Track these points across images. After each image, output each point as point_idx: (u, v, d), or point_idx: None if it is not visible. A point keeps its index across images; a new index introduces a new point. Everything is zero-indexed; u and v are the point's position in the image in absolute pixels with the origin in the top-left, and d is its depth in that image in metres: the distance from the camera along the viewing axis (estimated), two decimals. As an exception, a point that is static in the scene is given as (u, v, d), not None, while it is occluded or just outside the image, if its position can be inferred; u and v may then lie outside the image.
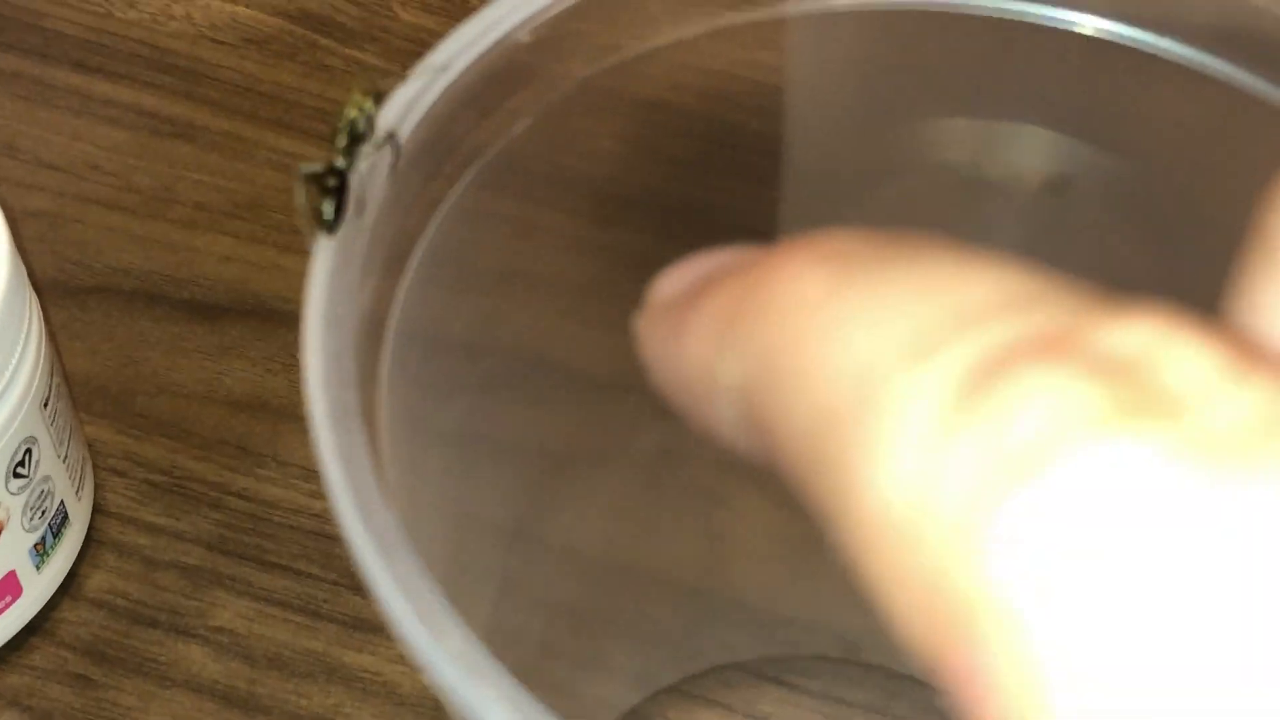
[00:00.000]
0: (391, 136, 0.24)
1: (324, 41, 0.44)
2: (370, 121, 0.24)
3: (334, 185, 0.23)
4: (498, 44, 0.27)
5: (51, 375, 0.31)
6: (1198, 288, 0.33)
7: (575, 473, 0.34)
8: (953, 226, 0.35)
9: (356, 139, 0.24)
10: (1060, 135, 0.32)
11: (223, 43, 0.44)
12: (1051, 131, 0.32)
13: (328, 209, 0.22)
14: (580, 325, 0.37)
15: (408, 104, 0.25)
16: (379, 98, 0.25)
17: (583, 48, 0.28)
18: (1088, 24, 0.26)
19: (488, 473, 0.33)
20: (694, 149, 0.35)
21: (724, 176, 0.36)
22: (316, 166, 0.23)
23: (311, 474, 0.35)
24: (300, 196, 0.23)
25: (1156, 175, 0.33)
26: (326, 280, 0.22)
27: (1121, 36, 0.26)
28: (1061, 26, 0.27)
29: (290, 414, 0.36)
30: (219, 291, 0.38)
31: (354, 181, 0.23)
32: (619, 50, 0.29)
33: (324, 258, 0.23)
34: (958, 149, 0.35)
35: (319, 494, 0.33)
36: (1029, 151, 0.33)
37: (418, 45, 0.44)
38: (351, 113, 0.24)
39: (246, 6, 0.45)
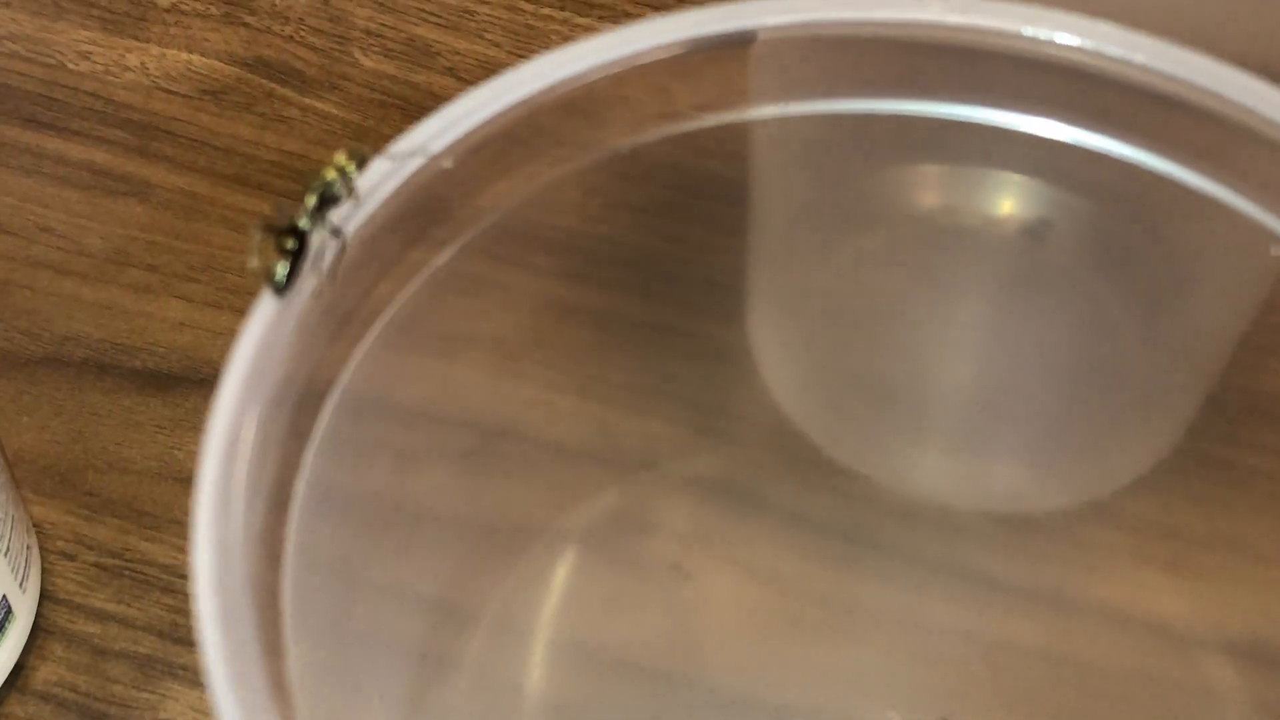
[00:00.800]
0: (338, 232, 0.23)
1: (281, 91, 0.43)
2: (349, 184, 0.23)
3: (291, 247, 0.22)
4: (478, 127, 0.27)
5: (-12, 467, 0.30)
6: (1175, 333, 0.31)
7: (527, 547, 0.33)
8: (929, 275, 0.34)
9: (328, 201, 0.23)
10: (1039, 180, 0.31)
11: (177, 94, 0.42)
12: (1029, 177, 0.31)
13: (281, 271, 0.21)
14: (539, 387, 0.36)
15: (380, 178, 0.24)
16: (362, 161, 0.24)
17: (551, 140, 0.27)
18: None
19: (428, 548, 0.32)
20: (659, 197, 0.34)
21: (690, 225, 0.35)
22: (277, 221, 0.22)
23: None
24: (253, 251, 0.22)
25: (1136, 219, 0.32)
26: (245, 364, 0.21)
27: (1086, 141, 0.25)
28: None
29: (246, 488, 0.35)
30: (172, 360, 0.37)
31: (313, 245, 0.22)
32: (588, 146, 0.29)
33: (254, 327, 0.22)
34: (932, 196, 0.33)
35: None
36: (1007, 197, 0.32)
37: (379, 94, 0.43)
38: (329, 174, 0.23)
39: (203, 55, 0.43)
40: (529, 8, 0.45)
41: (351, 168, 0.23)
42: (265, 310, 0.22)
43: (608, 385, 0.35)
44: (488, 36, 0.44)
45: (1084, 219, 0.31)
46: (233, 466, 0.21)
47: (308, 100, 0.42)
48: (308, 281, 0.22)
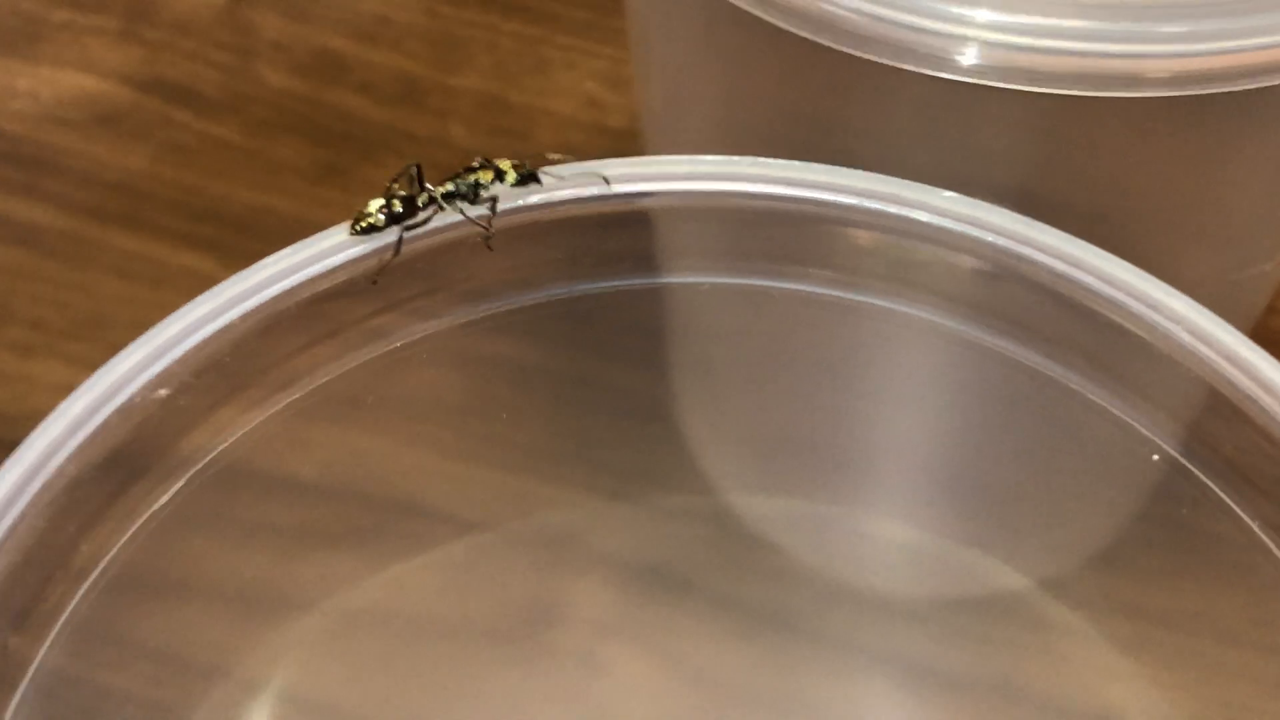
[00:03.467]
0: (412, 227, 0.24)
1: (180, 116, 0.40)
2: (478, 193, 0.24)
3: (397, 209, 0.23)
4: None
5: None
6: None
7: (421, 639, 0.30)
8: (862, 343, 0.31)
9: (454, 196, 0.24)
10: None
11: (70, 122, 0.39)
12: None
13: (371, 218, 0.23)
14: (441, 455, 0.33)
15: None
16: (522, 180, 0.24)
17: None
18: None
19: (295, 641, 0.29)
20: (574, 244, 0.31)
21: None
22: (403, 181, 0.24)
23: (161, 655, 0.31)
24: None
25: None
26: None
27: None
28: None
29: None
30: (54, 429, 0.34)
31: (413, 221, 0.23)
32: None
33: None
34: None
35: (164, 680, 0.29)
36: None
37: (286, 115, 0.40)
38: (483, 176, 0.24)
39: (98, 76, 0.40)
40: (450, 12, 0.42)
41: (490, 181, 0.24)
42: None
43: (520, 449, 0.33)
44: (405, 47, 0.41)
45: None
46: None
47: (207, 125, 0.39)
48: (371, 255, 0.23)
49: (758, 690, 0.30)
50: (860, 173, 0.22)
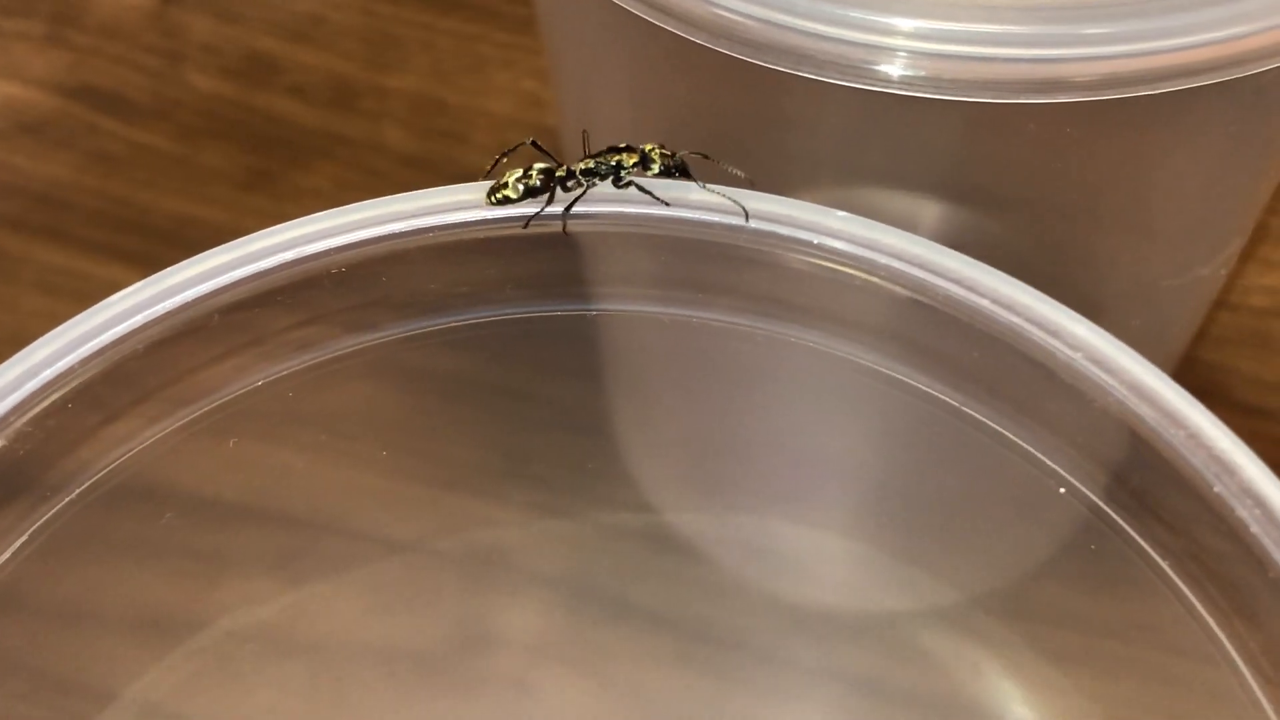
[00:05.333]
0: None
1: (107, 123, 0.38)
2: (618, 173, 0.23)
3: (535, 183, 0.23)
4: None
5: None
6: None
7: (345, 667, 0.29)
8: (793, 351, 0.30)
9: (592, 174, 0.23)
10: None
11: (-7, 131, 0.38)
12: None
13: (512, 191, 0.23)
14: (372, 472, 0.32)
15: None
16: (668, 171, 0.23)
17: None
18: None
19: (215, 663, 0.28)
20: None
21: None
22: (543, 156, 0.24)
23: (45, 678, 0.30)
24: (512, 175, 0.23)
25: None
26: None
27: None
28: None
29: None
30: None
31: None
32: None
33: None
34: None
35: (43, 701, 0.28)
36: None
37: (215, 120, 0.39)
38: (626, 159, 0.23)
39: (22, 83, 0.39)
40: (387, 10, 0.41)
41: (633, 165, 0.23)
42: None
43: (454, 465, 0.32)
44: (340, 47, 0.40)
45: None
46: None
47: (135, 132, 0.38)
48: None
49: (693, 709, 0.29)
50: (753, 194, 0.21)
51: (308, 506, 0.31)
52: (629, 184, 0.23)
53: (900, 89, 0.21)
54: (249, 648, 0.29)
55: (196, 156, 0.38)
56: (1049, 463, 0.20)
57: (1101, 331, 0.17)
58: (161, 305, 0.24)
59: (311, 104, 0.39)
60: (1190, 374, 0.34)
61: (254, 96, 0.39)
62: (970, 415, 0.23)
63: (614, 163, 0.23)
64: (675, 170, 0.23)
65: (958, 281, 0.18)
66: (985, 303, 0.18)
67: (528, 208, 0.23)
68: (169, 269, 0.24)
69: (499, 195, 0.23)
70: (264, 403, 0.28)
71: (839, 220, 0.19)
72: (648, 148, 0.23)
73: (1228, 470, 0.15)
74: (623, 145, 0.23)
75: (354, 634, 0.30)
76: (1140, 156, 0.23)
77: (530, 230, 0.24)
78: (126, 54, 0.40)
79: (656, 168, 0.23)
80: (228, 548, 0.30)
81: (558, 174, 0.23)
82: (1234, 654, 0.17)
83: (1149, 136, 0.22)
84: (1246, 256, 0.36)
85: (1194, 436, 0.16)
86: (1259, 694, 0.16)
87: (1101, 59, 0.21)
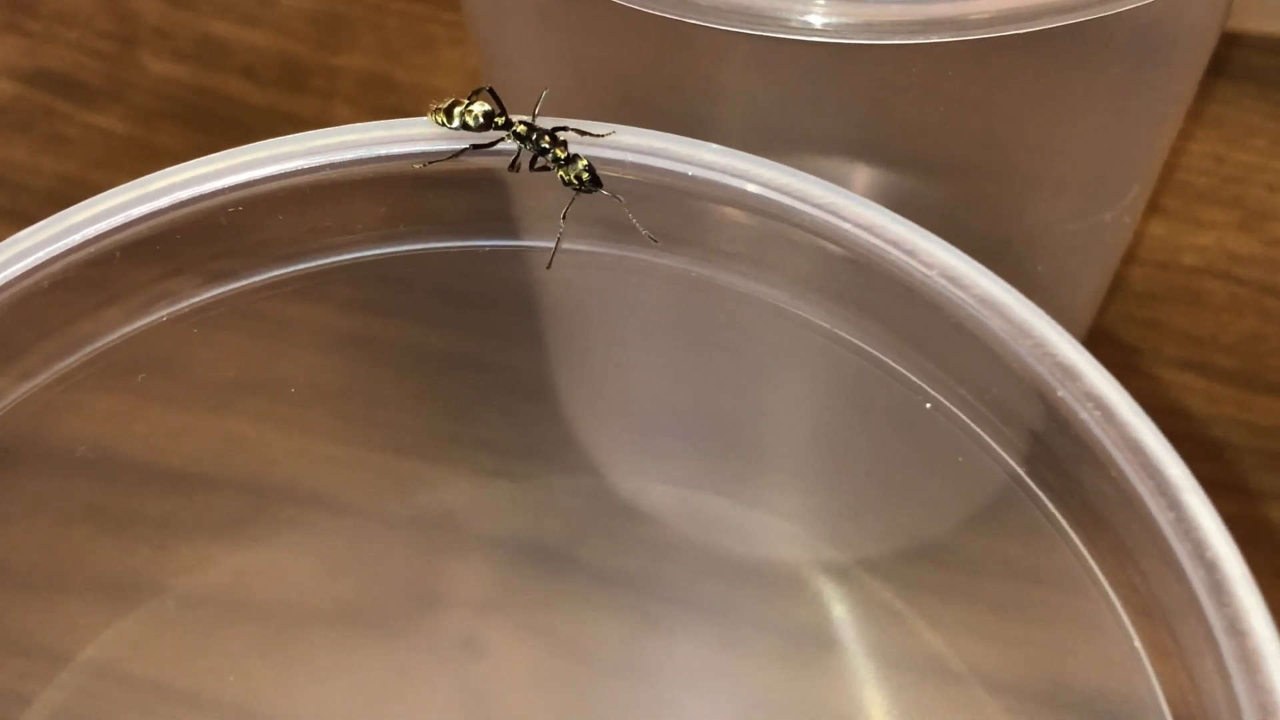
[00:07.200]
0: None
1: (62, 107, 0.39)
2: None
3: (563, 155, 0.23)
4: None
5: None
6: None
7: (291, 628, 0.30)
8: (727, 308, 0.31)
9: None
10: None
11: (-51, 117, 0.39)
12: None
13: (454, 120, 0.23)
14: (323, 439, 0.32)
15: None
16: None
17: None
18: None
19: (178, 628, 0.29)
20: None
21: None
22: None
23: None
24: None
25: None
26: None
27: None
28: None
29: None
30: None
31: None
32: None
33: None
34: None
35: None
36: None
37: (168, 103, 0.39)
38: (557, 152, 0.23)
39: (-21, 69, 0.40)
40: (337, -8, 0.41)
41: (562, 159, 0.23)
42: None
43: (402, 430, 0.32)
44: (289, 29, 0.41)
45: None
46: None
47: (90, 116, 0.39)
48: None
49: (636, 662, 0.30)
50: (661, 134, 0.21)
51: (257, 473, 0.31)
52: (543, 169, 0.23)
53: (799, 35, 0.21)
54: (201, 611, 0.30)
55: (150, 138, 0.38)
56: (914, 379, 0.20)
57: (956, 251, 0.18)
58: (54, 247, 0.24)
59: (262, 84, 0.40)
60: (1124, 330, 0.35)
61: (206, 78, 0.40)
62: (897, 371, 0.24)
63: (545, 146, 0.23)
64: (586, 187, 0.23)
65: (821, 207, 0.19)
66: (848, 226, 0.19)
67: (455, 143, 0.23)
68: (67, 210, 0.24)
69: (441, 117, 0.23)
70: (206, 371, 0.29)
71: (727, 157, 0.20)
72: (581, 164, 0.23)
73: (1070, 376, 0.16)
74: (564, 141, 0.23)
75: (304, 597, 0.30)
76: (1032, 101, 0.24)
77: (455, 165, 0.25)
78: (81, 39, 0.40)
79: (571, 178, 0.23)
80: (178, 514, 0.30)
81: (497, 120, 0.23)
82: (1083, 548, 0.17)
83: (1042, 80, 0.22)
84: (1178, 215, 0.37)
85: (1039, 345, 0.16)
86: (1109, 591, 0.17)
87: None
